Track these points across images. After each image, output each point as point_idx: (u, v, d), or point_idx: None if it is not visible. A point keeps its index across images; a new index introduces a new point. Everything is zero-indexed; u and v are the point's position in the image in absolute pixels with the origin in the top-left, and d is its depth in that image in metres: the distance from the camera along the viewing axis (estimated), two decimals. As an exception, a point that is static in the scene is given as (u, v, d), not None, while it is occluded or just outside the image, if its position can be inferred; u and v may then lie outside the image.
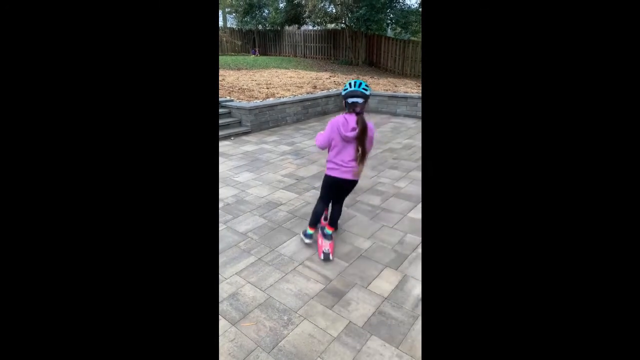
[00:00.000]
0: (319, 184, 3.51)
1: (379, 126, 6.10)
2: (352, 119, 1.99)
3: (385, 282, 2.01)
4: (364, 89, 1.98)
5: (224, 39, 14.97)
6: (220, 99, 5.93)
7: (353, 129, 1.98)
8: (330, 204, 2.35)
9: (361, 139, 1.98)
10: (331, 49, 15.38)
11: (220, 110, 5.68)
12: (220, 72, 9.14)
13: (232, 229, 2.62)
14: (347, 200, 3.14)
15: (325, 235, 2.33)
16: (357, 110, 1.99)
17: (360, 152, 2.02)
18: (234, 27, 17.38)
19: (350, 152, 2.03)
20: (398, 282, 2.02)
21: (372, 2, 12.78)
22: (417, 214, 2.87)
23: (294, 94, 7.07)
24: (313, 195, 3.23)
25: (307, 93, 7.25)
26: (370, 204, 3.07)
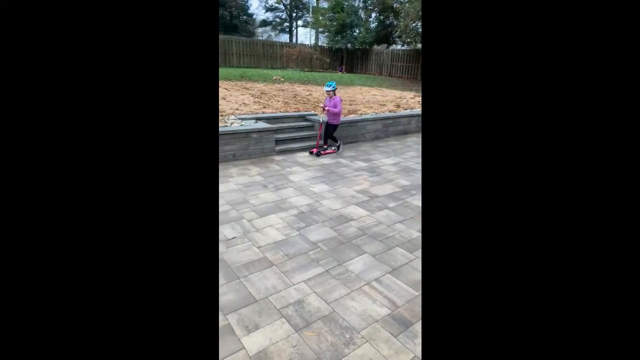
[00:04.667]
0: (393, 204, 3.43)
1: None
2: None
3: (459, 322, 1.84)
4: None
5: (314, 56, 15.88)
6: (304, 113, 6.27)
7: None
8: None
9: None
10: (418, 69, 15.06)
11: (304, 124, 5.99)
12: (308, 87, 9.69)
13: (304, 237, 2.71)
14: (419, 225, 2.99)
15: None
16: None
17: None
18: (324, 45, 18.34)
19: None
20: (474, 324, 1.82)
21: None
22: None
23: (375, 111, 7.08)
24: (386, 216, 3.16)
25: (390, 112, 7.20)
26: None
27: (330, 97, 5.10)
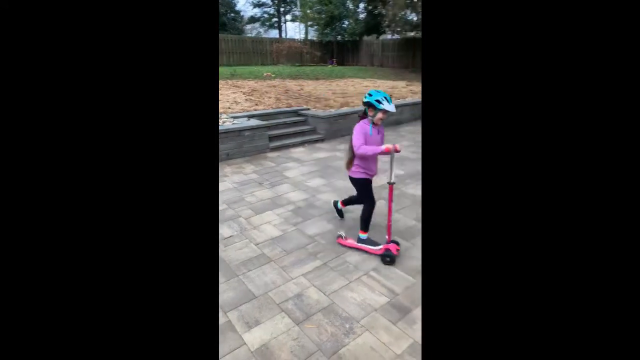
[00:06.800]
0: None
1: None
2: None
3: (457, 306, 1.86)
4: (364, 96, 2.24)
5: (304, 50, 15.77)
6: (297, 108, 6.25)
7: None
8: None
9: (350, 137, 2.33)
10: (409, 58, 15.01)
11: (297, 119, 5.97)
12: (299, 81, 9.64)
13: (301, 231, 2.72)
14: (416, 214, 3.00)
15: (358, 240, 2.52)
16: (359, 114, 2.37)
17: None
18: (314, 39, 18.21)
19: None
20: (472, 307, 1.85)
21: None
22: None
23: (368, 103, 7.07)
24: (381, 205, 3.17)
25: (382, 102, 7.18)
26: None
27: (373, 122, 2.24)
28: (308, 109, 6.28)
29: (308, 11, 17.70)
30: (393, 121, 6.89)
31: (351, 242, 2.48)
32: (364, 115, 2.29)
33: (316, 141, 5.70)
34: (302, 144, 5.55)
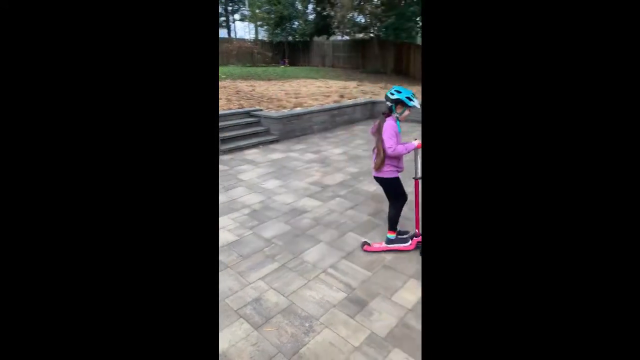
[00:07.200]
0: (344, 191, 3.51)
1: (406, 135, 6.01)
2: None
3: (410, 294, 1.96)
4: (391, 93, 2.20)
5: (255, 51, 15.51)
6: (249, 109, 6.13)
7: (372, 126, 2.29)
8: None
9: (376, 136, 2.23)
10: (360, 59, 15.45)
11: (249, 120, 5.86)
12: (251, 82, 9.46)
13: (257, 235, 2.67)
14: (371, 209, 3.11)
15: (386, 240, 2.46)
16: (382, 111, 2.25)
17: (375, 147, 2.28)
18: (265, 39, 17.98)
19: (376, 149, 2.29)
20: (423, 294, 1.96)
21: (402, 11, 12.76)
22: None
23: (321, 103, 7.16)
24: (337, 203, 3.23)
25: (335, 102, 7.32)
26: (396, 213, 3.02)
27: (383, 114, 2.26)
28: (261, 110, 6.19)
29: (257, 11, 17.43)
30: (346, 120, 7.05)
31: (379, 245, 2.41)
32: (389, 113, 2.22)
33: (270, 142, 5.65)
34: (256, 145, 5.46)
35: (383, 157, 2.21)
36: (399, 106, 2.19)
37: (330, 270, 2.20)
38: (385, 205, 3.18)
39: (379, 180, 2.34)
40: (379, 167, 2.25)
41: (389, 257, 2.34)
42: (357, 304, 1.89)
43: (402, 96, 2.14)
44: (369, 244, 2.43)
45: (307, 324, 1.75)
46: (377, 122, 2.25)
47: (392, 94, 2.17)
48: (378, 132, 2.21)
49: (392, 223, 2.39)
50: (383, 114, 2.23)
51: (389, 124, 2.18)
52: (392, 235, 2.41)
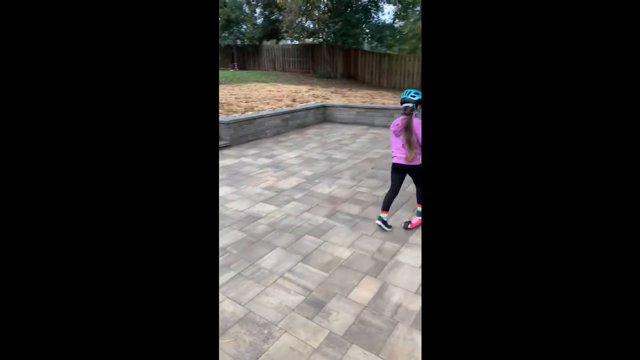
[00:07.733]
0: (299, 195, 3.53)
1: (358, 137, 6.22)
2: (400, 118, 2.62)
3: (365, 291, 2.03)
4: (412, 95, 2.57)
5: (202, 54, 14.94)
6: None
7: (396, 125, 2.65)
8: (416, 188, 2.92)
9: (405, 133, 2.56)
10: (310, 63, 15.64)
11: (199, 125, 5.63)
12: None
13: (211, 245, 2.58)
14: (327, 211, 3.17)
15: (418, 213, 2.90)
16: (406, 112, 2.58)
17: (405, 142, 2.59)
18: (212, 42, 17.43)
19: (397, 143, 2.67)
20: (377, 289, 2.04)
21: (348, 18, 13.18)
22: (394, 221, 2.92)
23: (273, 107, 7.12)
24: (293, 207, 3.24)
25: (287, 106, 7.32)
26: (350, 213, 3.11)
27: (406, 114, 2.58)
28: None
29: (202, 13, 16.82)
30: (299, 124, 7.09)
31: (418, 219, 2.82)
32: (410, 112, 2.55)
33: (222, 148, 5.48)
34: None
35: (416, 147, 2.58)
36: (419, 106, 2.60)
37: (288, 275, 2.20)
38: (337, 205, 3.26)
39: (413, 168, 2.68)
40: (412, 158, 2.60)
41: (344, 257, 2.40)
42: (315, 305, 1.91)
43: (421, 97, 2.51)
44: (410, 222, 2.81)
45: (265, 331, 1.73)
46: (400, 122, 2.60)
47: (414, 96, 2.55)
48: (407, 129, 2.54)
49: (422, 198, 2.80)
50: (406, 113, 2.56)
51: (418, 121, 2.57)
52: (421, 208, 2.84)
